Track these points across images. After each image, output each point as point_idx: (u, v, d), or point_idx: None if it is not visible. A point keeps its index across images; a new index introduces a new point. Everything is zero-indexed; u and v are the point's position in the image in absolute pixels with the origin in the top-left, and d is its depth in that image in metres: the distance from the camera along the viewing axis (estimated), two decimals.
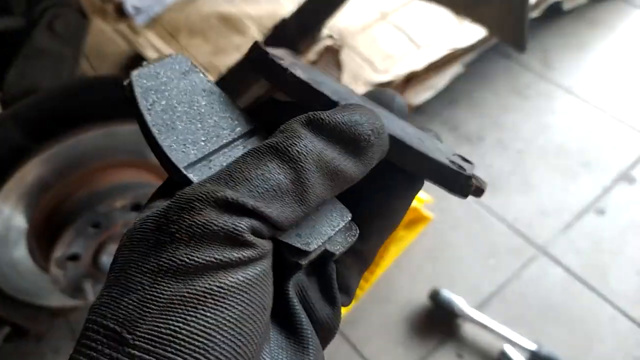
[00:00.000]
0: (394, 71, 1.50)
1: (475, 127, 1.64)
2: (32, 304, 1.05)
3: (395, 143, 0.26)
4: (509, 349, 1.17)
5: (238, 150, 0.26)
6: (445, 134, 1.62)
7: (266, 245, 0.22)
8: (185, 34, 1.62)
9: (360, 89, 1.46)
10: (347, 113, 0.24)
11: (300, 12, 1.28)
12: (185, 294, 0.19)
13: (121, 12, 1.68)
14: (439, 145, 0.30)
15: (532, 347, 1.16)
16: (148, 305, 0.19)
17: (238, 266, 0.20)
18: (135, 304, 0.19)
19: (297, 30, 1.29)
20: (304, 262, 0.24)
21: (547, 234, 1.39)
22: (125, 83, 0.27)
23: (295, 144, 0.23)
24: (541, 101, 1.71)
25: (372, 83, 1.48)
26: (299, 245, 0.24)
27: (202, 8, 1.68)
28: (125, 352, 0.18)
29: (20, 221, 0.95)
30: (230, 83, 1.32)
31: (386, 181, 0.28)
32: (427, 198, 1.35)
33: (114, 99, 1.02)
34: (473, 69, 1.67)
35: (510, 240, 1.38)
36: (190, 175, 0.25)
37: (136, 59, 1.56)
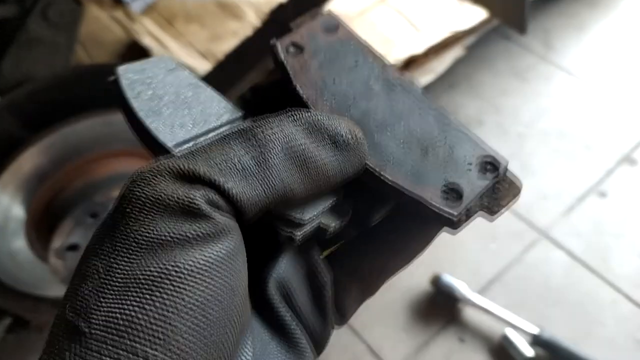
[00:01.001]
0: (394, 55, 1.48)
1: (475, 111, 1.62)
2: (33, 294, 1.06)
3: (370, 174, 0.26)
4: (510, 333, 1.17)
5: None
6: None
7: (226, 219, 0.20)
8: (181, 20, 1.60)
9: None
10: (329, 115, 0.24)
11: None
12: (140, 277, 0.18)
13: None
14: (458, 152, 0.28)
15: (534, 330, 1.16)
16: (103, 291, 0.18)
17: (197, 243, 0.19)
18: (91, 291, 0.18)
19: (295, 15, 1.27)
20: (298, 234, 0.23)
21: (548, 217, 1.39)
22: (110, 79, 0.27)
23: (264, 128, 0.22)
24: (541, 84, 1.69)
25: None
26: (292, 215, 0.23)
27: None
28: (84, 344, 0.17)
29: (18, 212, 0.95)
30: (229, 69, 1.31)
31: (402, 221, 0.27)
32: None
33: (110, 87, 1.01)
34: (473, 51, 1.65)
35: (512, 224, 1.38)
36: (177, 153, 0.24)
37: (133, 46, 1.55)
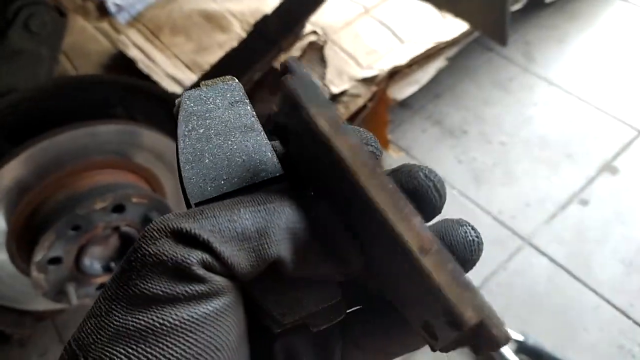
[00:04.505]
0: (378, 66, 1.50)
1: (459, 121, 1.64)
2: (15, 308, 1.04)
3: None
4: None
5: None
6: (429, 128, 1.62)
7: (221, 282, 0.21)
8: (167, 32, 1.61)
9: (345, 85, 1.46)
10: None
11: (282, 8, 1.27)
12: (131, 327, 0.20)
13: (103, 10, 1.66)
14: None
15: (519, 337, 1.17)
16: (101, 332, 0.20)
17: (187, 301, 0.20)
18: (92, 328, 0.20)
19: (279, 27, 1.28)
20: (276, 330, 0.23)
21: (531, 225, 1.40)
22: (177, 101, 0.27)
23: (275, 201, 0.23)
24: (523, 93, 1.72)
25: (357, 78, 1.47)
26: (274, 313, 0.23)
27: (184, 5, 1.67)
28: None
29: (0, 224, 0.94)
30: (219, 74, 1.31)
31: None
32: None
33: (93, 98, 1.01)
34: (456, 62, 1.68)
35: (496, 231, 1.39)
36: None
37: (119, 58, 1.55)
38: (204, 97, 0.28)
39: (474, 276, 1.31)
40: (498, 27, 1.18)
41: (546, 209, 1.43)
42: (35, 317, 1.11)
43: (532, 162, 1.54)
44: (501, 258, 1.35)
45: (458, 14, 1.28)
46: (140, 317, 0.20)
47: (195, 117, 0.27)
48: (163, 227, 0.21)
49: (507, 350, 1.16)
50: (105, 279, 0.99)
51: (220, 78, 0.29)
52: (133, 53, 1.52)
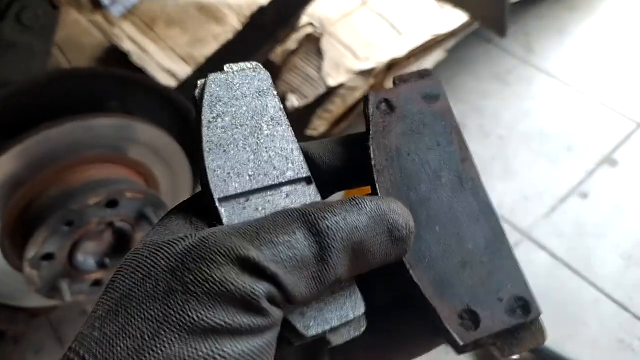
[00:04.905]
0: (376, 58, 1.48)
1: (457, 114, 1.60)
2: (8, 305, 1.03)
3: (399, 265, 0.24)
4: None
5: (279, 198, 0.25)
6: None
7: (278, 315, 0.20)
8: (162, 24, 1.59)
9: (343, 77, 1.45)
10: (388, 201, 0.24)
11: (278, 0, 1.26)
12: (187, 357, 0.18)
13: (96, 3, 1.64)
14: (495, 280, 0.25)
15: None
16: (144, 357, 0.18)
17: (247, 334, 0.19)
18: (130, 352, 0.18)
19: (275, 19, 1.26)
20: (297, 343, 0.23)
21: (531, 219, 1.39)
22: (199, 82, 0.26)
23: (326, 218, 0.22)
24: (522, 86, 1.70)
25: (354, 71, 1.46)
26: (298, 326, 0.22)
27: None
28: None
29: None
30: (210, 73, 1.30)
31: (409, 319, 0.27)
32: None
33: (87, 92, 0.99)
34: (454, 54, 1.66)
35: None
36: (222, 211, 0.24)
37: (112, 51, 1.53)
38: (231, 82, 0.26)
39: None
40: (497, 18, 1.17)
41: (545, 203, 1.42)
42: (29, 314, 1.10)
43: (531, 156, 1.53)
44: None
45: (457, 4, 1.26)
46: (199, 348, 0.18)
47: (221, 104, 0.25)
48: (227, 251, 0.20)
49: None
50: (99, 275, 0.98)
51: (246, 64, 0.27)
52: (127, 46, 1.50)
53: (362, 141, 0.28)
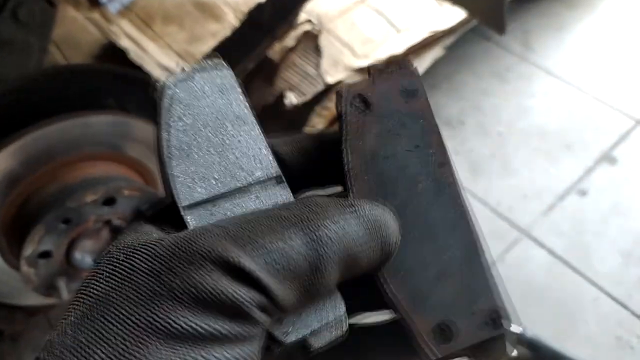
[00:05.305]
0: (374, 56, 1.48)
1: (456, 111, 1.63)
2: (6, 304, 1.02)
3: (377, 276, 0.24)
4: None
5: (249, 200, 0.24)
6: None
7: (267, 322, 0.20)
8: (159, 21, 1.58)
9: (341, 75, 1.44)
10: (383, 213, 0.23)
11: None
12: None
13: (94, 0, 1.63)
14: (470, 292, 0.25)
15: (517, 329, 1.16)
16: None
17: (236, 342, 0.18)
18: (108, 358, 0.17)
19: (273, 16, 1.26)
20: (276, 350, 0.22)
21: (529, 216, 1.39)
22: (158, 84, 0.24)
23: (326, 227, 0.21)
24: (521, 83, 1.70)
25: (352, 68, 1.45)
26: (276, 332, 0.21)
27: None
28: None
29: None
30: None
31: (389, 333, 0.26)
32: None
33: (84, 89, 0.98)
34: (453, 51, 1.66)
35: (494, 223, 1.38)
36: (188, 219, 0.23)
37: (110, 48, 1.52)
38: (191, 82, 0.24)
39: None
40: (496, 15, 1.17)
41: (544, 200, 1.42)
42: (27, 313, 1.10)
43: (530, 153, 1.52)
44: (499, 250, 1.33)
45: (456, 1, 1.26)
46: (187, 355, 0.17)
47: (182, 105, 0.24)
48: (218, 257, 0.19)
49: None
50: None
51: (207, 61, 0.26)
52: (125, 43, 1.49)
53: (335, 141, 0.26)
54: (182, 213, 0.23)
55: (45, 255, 0.90)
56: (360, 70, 1.45)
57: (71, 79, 0.99)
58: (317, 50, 1.49)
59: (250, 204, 0.24)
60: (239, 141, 0.24)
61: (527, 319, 1.20)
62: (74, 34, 1.56)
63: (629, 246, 1.33)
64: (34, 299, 1.05)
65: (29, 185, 0.90)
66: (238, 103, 0.25)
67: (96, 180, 0.91)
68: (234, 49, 1.28)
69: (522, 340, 1.16)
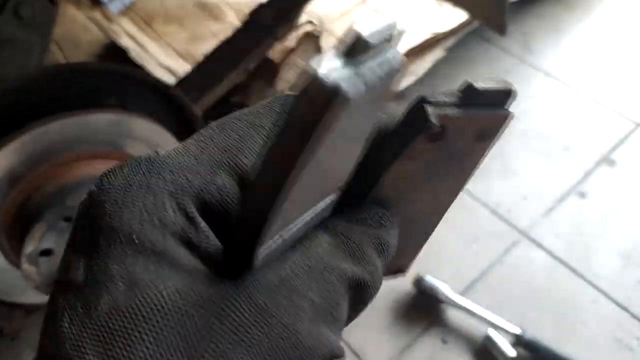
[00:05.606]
0: None
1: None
2: (5, 301, 1.02)
3: None
4: (493, 334, 1.17)
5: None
6: None
7: None
8: (160, 21, 1.58)
9: None
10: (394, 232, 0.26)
11: None
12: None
13: (95, 0, 1.63)
14: None
15: (516, 331, 1.16)
16: None
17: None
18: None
19: (274, 16, 1.26)
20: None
21: (529, 218, 1.39)
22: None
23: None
24: (521, 85, 1.70)
25: None
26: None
27: None
28: None
29: None
30: (208, 70, 1.29)
31: None
32: None
33: (85, 87, 0.98)
34: (453, 53, 1.66)
35: (493, 225, 1.38)
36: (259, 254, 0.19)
37: (111, 47, 1.52)
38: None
39: (471, 269, 1.31)
40: (497, 17, 1.17)
41: (544, 202, 1.42)
42: (26, 311, 1.10)
43: (529, 155, 1.53)
44: (499, 251, 1.34)
45: (457, 3, 1.26)
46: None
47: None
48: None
49: (505, 343, 1.15)
50: None
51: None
52: (125, 42, 1.49)
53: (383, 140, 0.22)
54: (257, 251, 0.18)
55: (47, 253, 0.89)
56: None
57: (72, 78, 0.99)
58: (318, 51, 1.49)
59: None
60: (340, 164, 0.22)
61: (526, 321, 1.20)
62: (75, 33, 1.56)
63: (628, 248, 1.33)
64: (33, 297, 1.04)
65: (30, 183, 0.90)
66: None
67: (96, 178, 0.91)
68: (234, 49, 1.28)
69: (521, 342, 1.16)
